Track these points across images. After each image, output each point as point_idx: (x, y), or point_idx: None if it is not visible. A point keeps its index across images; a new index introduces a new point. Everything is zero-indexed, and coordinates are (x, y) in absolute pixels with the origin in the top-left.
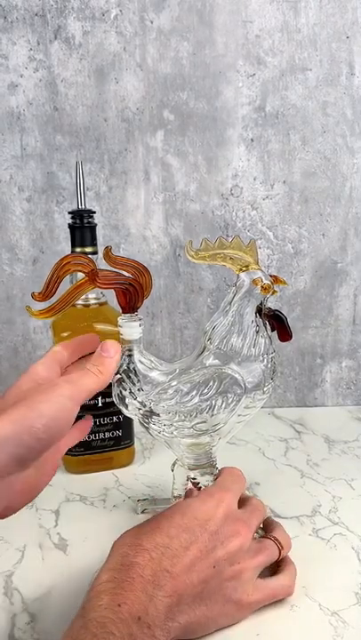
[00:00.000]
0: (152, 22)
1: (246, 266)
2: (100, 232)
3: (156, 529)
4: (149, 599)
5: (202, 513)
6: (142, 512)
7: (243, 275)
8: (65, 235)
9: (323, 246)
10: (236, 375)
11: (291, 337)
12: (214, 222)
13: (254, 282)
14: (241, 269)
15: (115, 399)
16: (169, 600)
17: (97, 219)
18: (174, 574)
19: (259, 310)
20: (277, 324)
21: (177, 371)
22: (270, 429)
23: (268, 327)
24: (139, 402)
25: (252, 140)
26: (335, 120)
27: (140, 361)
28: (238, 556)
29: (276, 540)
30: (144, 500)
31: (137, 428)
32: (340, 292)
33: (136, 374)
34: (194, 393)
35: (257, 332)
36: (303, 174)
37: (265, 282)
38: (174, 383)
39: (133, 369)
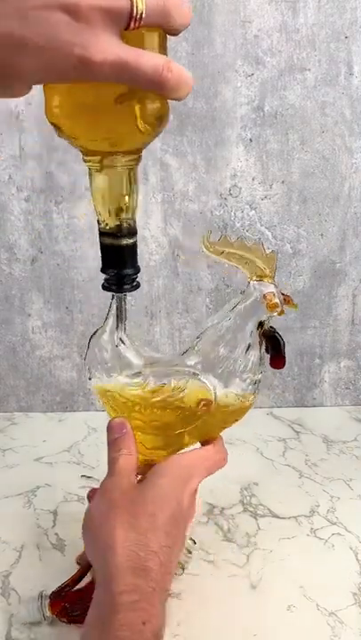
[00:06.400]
0: None
1: (261, 276)
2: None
3: (153, 522)
4: (163, 608)
5: (184, 501)
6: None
7: (255, 284)
8: (63, 234)
9: (321, 246)
10: (209, 387)
11: (283, 365)
12: (213, 222)
13: (265, 296)
14: (256, 279)
15: (85, 361)
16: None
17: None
18: (172, 572)
19: (260, 325)
20: (273, 347)
21: (156, 362)
22: (269, 429)
23: (264, 347)
24: (105, 375)
25: (250, 140)
26: (334, 120)
27: (120, 339)
28: None
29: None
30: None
31: None
32: (339, 292)
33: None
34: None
35: (248, 348)
36: (302, 174)
37: (275, 299)
38: (147, 372)
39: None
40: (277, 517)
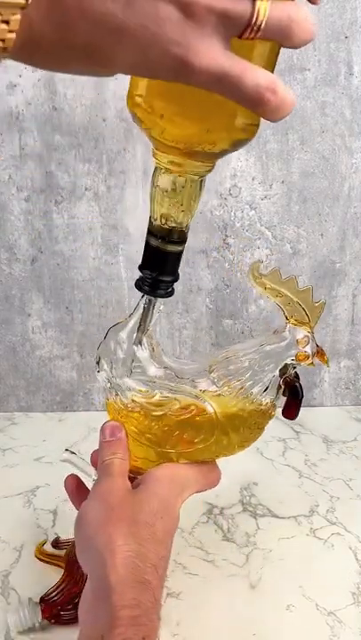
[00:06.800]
0: None
1: (301, 322)
2: (98, 232)
3: (153, 533)
4: (159, 622)
5: (177, 511)
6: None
7: (292, 329)
8: (63, 234)
9: (321, 246)
10: (213, 417)
11: (295, 416)
12: (213, 222)
13: (299, 341)
14: (293, 322)
15: (97, 350)
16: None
17: (95, 218)
18: (164, 584)
19: (284, 368)
20: (291, 396)
21: (170, 371)
22: (269, 429)
23: (281, 390)
24: (113, 371)
25: None
26: (334, 120)
27: (139, 340)
28: None
29: None
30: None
31: None
32: (339, 292)
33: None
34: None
35: (265, 389)
36: (302, 174)
37: (308, 351)
38: (157, 382)
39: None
40: (277, 517)
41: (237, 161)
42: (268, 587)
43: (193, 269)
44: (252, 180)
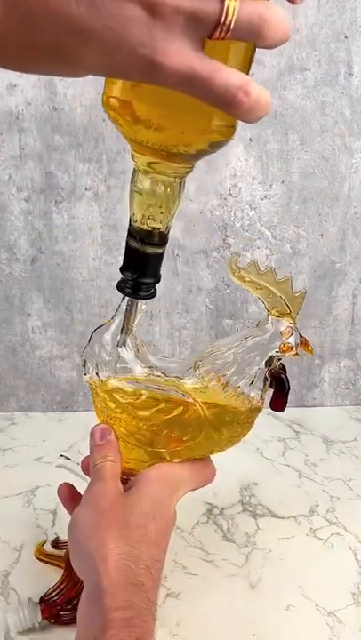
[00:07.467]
0: None
1: (282, 314)
2: (98, 232)
3: (145, 534)
4: (154, 623)
5: (170, 511)
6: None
7: (274, 321)
8: (63, 234)
9: (321, 246)
10: (200, 412)
11: (283, 408)
12: (213, 222)
13: (282, 333)
14: (275, 314)
15: (82, 354)
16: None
17: (95, 218)
18: (159, 585)
19: (270, 360)
20: (278, 388)
21: (157, 370)
22: (268, 429)
23: (268, 383)
24: (100, 374)
25: (250, 139)
26: (334, 120)
27: (123, 341)
28: None
29: None
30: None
31: None
32: (339, 292)
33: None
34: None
35: (251, 383)
36: (302, 174)
37: (291, 341)
38: (143, 383)
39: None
40: (277, 517)
41: (237, 161)
42: (268, 587)
43: (193, 269)
44: (252, 179)
